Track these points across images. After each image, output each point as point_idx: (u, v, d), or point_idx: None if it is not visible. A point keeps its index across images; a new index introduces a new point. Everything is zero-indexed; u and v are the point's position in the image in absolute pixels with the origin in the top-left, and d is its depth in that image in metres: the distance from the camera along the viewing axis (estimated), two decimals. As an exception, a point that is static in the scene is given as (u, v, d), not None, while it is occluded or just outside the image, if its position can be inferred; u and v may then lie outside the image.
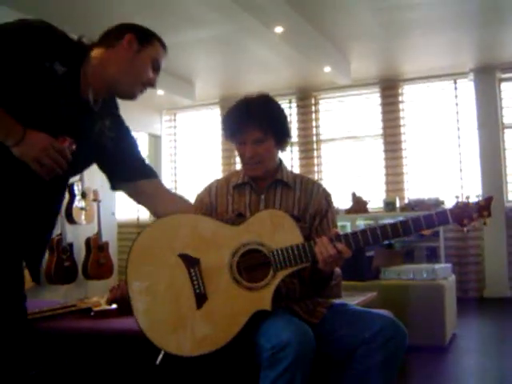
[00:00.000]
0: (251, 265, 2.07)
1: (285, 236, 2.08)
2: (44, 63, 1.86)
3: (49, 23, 1.92)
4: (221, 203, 2.39)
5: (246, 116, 2.29)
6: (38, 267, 2.23)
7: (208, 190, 2.46)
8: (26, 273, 2.19)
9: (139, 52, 2.04)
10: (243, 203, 2.36)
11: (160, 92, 7.57)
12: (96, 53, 2.00)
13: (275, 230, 2.10)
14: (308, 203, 2.36)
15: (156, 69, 2.12)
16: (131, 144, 2.30)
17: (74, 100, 1.96)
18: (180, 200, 2.42)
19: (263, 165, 2.34)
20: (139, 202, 2.36)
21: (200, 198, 2.45)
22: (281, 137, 2.36)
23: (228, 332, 1.99)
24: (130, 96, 2.13)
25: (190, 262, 2.06)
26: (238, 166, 7.80)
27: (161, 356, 2.07)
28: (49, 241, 2.24)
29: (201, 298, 2.03)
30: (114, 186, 2.29)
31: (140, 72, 2.06)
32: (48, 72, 1.87)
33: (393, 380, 2.06)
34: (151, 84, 2.12)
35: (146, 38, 2.08)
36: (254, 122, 2.28)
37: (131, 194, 2.32)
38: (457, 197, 2.07)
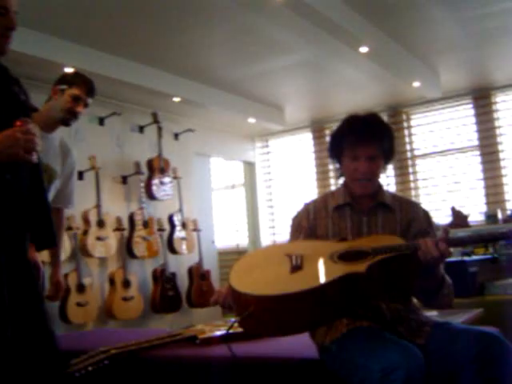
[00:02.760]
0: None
1: (386, 242, 2.12)
2: None
3: None
4: (320, 226, 2.38)
5: (367, 131, 2.33)
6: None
7: (305, 213, 2.44)
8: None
9: None
10: (344, 226, 2.35)
11: (251, 120, 7.70)
12: None
13: (376, 241, 2.14)
14: (410, 223, 2.35)
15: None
16: None
17: None
18: None
19: (373, 183, 2.37)
20: None
21: (297, 222, 2.45)
22: (389, 157, 2.40)
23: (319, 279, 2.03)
24: None
25: (293, 255, 2.13)
26: (333, 188, 7.78)
27: None
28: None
29: (296, 268, 2.08)
30: None
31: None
32: None
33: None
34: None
35: None
36: (374, 137, 2.33)
37: None
38: None
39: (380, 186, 2.43)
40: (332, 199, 2.44)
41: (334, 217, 2.38)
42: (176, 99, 6.54)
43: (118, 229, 5.96)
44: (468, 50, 6.23)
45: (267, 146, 9.33)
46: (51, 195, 3.08)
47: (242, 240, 9.40)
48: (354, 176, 2.34)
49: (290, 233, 2.49)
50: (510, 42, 5.99)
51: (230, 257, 9.28)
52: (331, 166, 6.83)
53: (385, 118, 8.16)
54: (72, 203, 3.35)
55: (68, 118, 3.05)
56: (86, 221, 5.73)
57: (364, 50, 5.55)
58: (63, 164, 3.21)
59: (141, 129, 6.77)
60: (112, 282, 5.90)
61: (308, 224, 2.41)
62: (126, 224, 6.13)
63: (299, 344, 2.41)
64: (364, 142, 2.30)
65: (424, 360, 1.94)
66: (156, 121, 6.53)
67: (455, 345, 2.09)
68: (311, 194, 8.53)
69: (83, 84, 3.06)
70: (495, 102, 7.55)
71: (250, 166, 9.22)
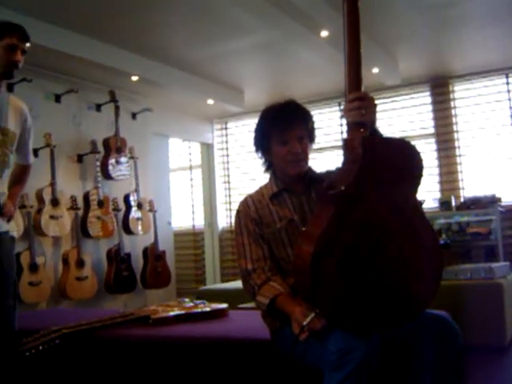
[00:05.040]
0: None
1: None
2: None
3: None
4: (264, 215, 2.43)
5: (292, 114, 2.41)
6: None
7: (246, 206, 2.48)
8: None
9: None
10: (287, 208, 2.41)
11: (210, 101, 7.66)
12: None
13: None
14: None
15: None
16: None
17: None
18: None
19: (305, 162, 2.43)
20: None
21: (244, 215, 2.46)
22: (313, 138, 2.49)
23: None
24: None
25: None
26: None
27: None
28: None
29: None
30: None
31: None
32: None
33: (448, 379, 2.06)
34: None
35: None
36: (300, 119, 2.42)
37: None
38: None
39: (309, 167, 2.49)
40: (266, 190, 2.51)
41: (274, 204, 2.44)
42: (134, 78, 6.46)
43: (73, 208, 5.88)
44: (427, 38, 6.28)
45: (226, 128, 9.30)
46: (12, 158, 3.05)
47: (198, 221, 9.39)
48: (288, 158, 2.38)
49: (237, 229, 2.49)
50: (469, 31, 6.06)
51: (186, 238, 9.29)
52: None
53: (343, 104, 8.20)
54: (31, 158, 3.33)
55: (9, 70, 2.89)
56: (40, 199, 5.64)
57: (324, 34, 5.56)
58: (20, 123, 3.17)
59: (98, 107, 6.67)
60: (66, 261, 5.82)
61: (252, 215, 2.44)
62: (80, 203, 6.06)
63: (252, 326, 2.42)
64: (292, 124, 2.38)
65: (380, 343, 1.97)
66: (113, 99, 6.45)
67: (406, 327, 2.13)
68: (267, 176, 8.52)
69: (14, 31, 2.89)
70: (453, 91, 7.65)
71: (207, 148, 9.19)
